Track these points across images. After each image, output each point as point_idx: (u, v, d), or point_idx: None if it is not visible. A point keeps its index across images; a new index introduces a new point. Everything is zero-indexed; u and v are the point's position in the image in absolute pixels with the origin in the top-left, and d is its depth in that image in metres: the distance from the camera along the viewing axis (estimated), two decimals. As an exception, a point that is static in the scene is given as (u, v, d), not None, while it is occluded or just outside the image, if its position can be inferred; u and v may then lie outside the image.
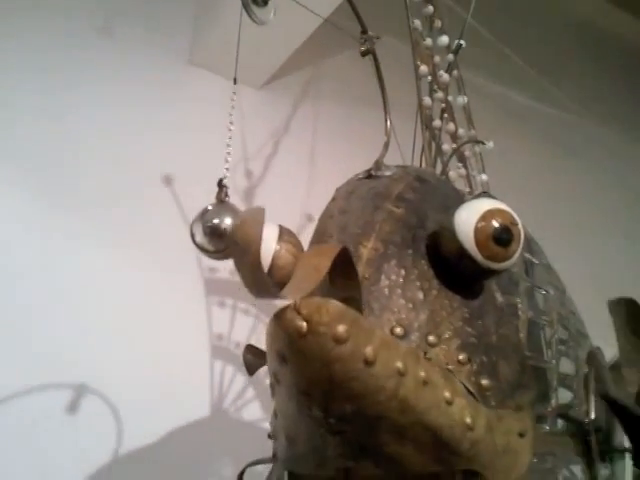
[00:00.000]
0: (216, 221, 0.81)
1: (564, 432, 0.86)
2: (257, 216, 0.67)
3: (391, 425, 0.65)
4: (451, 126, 1.27)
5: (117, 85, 1.95)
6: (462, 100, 1.33)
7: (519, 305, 0.83)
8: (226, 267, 1.95)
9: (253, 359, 1.08)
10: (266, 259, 0.79)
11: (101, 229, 1.81)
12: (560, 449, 0.85)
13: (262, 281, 0.58)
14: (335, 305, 0.61)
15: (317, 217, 2.16)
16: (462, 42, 1.30)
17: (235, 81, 1.18)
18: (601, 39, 3.04)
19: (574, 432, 0.87)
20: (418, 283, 0.75)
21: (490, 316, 0.78)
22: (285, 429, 0.73)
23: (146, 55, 2.02)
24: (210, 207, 0.83)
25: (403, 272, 0.75)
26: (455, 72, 1.32)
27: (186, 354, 1.81)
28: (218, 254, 0.82)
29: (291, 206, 2.10)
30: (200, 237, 0.81)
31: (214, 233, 0.80)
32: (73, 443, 1.59)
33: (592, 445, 0.85)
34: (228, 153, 0.87)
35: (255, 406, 1.89)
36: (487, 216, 0.73)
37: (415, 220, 0.79)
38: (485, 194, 1.01)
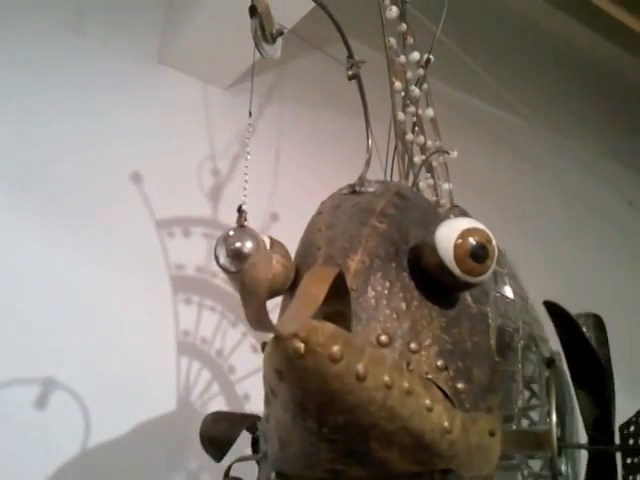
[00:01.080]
0: (238, 245, 0.86)
1: (528, 431, 0.94)
2: (266, 261, 0.72)
3: (379, 432, 0.72)
4: (421, 138, 1.33)
5: (85, 84, 1.96)
6: (430, 113, 1.39)
7: (489, 314, 0.90)
8: (192, 264, 2.00)
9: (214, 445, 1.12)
10: (257, 269, 0.84)
11: (68, 227, 1.82)
12: (523, 446, 0.93)
13: (264, 321, 0.63)
14: (329, 327, 0.66)
15: (282, 216, 2.22)
16: (431, 57, 1.36)
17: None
18: (570, 53, 3.15)
19: (537, 431, 0.95)
20: (401, 294, 0.81)
21: (465, 324, 0.85)
22: (278, 433, 0.78)
23: (115, 54, 2.04)
24: (232, 232, 0.88)
25: (388, 284, 0.81)
26: (425, 86, 1.38)
27: (153, 350, 1.84)
28: (239, 275, 0.87)
29: (257, 205, 2.14)
30: (223, 259, 0.87)
31: (236, 256, 0.86)
32: (42, 438, 1.61)
33: (552, 442, 0.92)
34: (246, 181, 0.91)
35: (220, 400, 1.93)
36: (465, 234, 0.80)
37: (397, 235, 0.85)
38: (456, 208, 1.08)
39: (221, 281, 2.02)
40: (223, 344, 1.97)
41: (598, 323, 1.11)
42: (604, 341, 1.10)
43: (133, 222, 1.92)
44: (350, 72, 0.92)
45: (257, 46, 0.89)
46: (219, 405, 1.93)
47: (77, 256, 1.81)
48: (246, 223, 0.91)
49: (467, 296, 0.88)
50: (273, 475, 0.84)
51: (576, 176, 2.97)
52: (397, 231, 0.86)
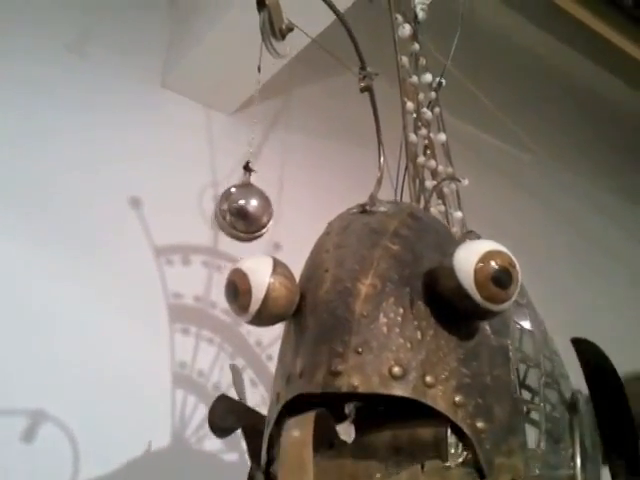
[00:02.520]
0: (242, 202, 0.79)
1: (552, 477, 0.86)
2: (264, 267, 0.76)
3: None
4: (432, 163, 1.28)
5: (87, 105, 1.92)
6: (442, 137, 1.34)
7: (509, 347, 0.84)
8: (191, 294, 1.93)
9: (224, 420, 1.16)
10: (260, 292, 0.78)
11: (66, 253, 1.76)
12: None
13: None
14: None
15: (284, 246, 2.17)
16: (443, 80, 1.32)
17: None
18: (579, 90, 3.13)
19: (561, 476, 0.87)
20: (416, 322, 0.75)
21: (484, 357, 0.78)
22: None
23: (118, 76, 2.00)
24: (234, 189, 0.81)
25: (401, 310, 0.75)
26: (437, 109, 1.33)
27: (148, 382, 1.77)
28: (243, 235, 0.81)
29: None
30: (227, 218, 0.80)
31: (239, 214, 0.79)
32: (30, 471, 1.54)
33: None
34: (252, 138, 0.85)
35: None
36: (487, 257, 0.73)
37: (411, 257, 0.79)
38: (472, 233, 1.02)
39: (220, 312, 1.96)
40: (220, 378, 1.89)
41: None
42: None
43: (132, 249, 1.86)
44: (362, 84, 0.86)
45: (265, 43, 0.84)
46: (215, 441, 1.84)
47: (74, 284, 1.74)
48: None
49: (486, 326, 0.81)
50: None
51: (584, 213, 2.92)
52: (411, 253, 0.79)
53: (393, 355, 0.72)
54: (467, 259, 0.73)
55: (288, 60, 2.02)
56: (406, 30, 1.20)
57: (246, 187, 0.83)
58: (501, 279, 0.73)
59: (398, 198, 1.16)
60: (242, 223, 0.80)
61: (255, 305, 0.78)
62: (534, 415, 0.85)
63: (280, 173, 2.17)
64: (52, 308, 1.70)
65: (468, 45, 1.40)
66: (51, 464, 1.57)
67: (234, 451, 1.82)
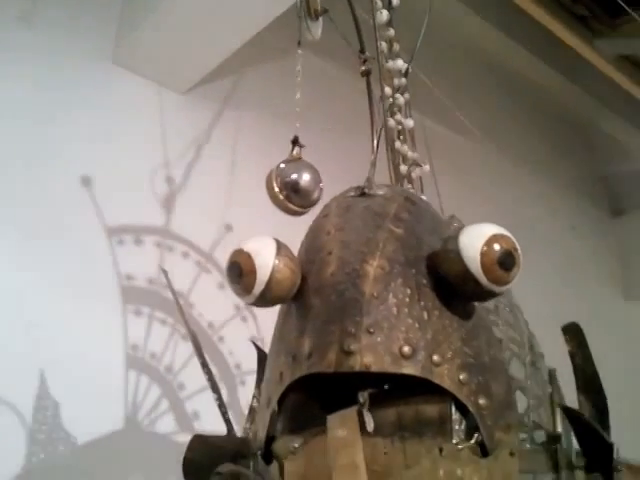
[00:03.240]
0: (294, 176, 0.79)
1: (537, 449, 0.90)
2: (268, 248, 0.78)
3: None
4: (405, 147, 1.30)
5: (36, 82, 1.85)
6: (410, 123, 1.36)
7: (500, 326, 0.87)
8: (143, 275, 1.90)
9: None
10: (265, 273, 0.78)
11: (17, 233, 1.71)
12: (536, 465, 0.89)
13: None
14: None
15: (235, 226, 2.15)
16: (410, 67, 1.34)
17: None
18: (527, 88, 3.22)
19: (545, 449, 0.92)
20: (422, 303, 0.77)
21: (482, 337, 0.81)
22: None
23: (67, 52, 1.93)
24: (283, 165, 0.81)
25: (409, 291, 0.76)
26: (406, 95, 1.35)
27: (100, 363, 1.74)
28: (297, 209, 0.80)
29: (210, 215, 2.07)
30: (283, 192, 0.79)
31: (293, 189, 0.79)
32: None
33: (559, 457, 0.90)
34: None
35: (169, 418, 1.84)
36: (492, 241, 0.75)
37: (414, 240, 0.80)
38: (454, 217, 1.05)
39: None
40: (173, 359, 1.88)
41: (580, 337, 1.09)
42: (589, 356, 1.08)
43: (83, 229, 1.82)
44: (363, 67, 0.87)
45: (304, 21, 0.83)
46: (168, 423, 1.83)
47: (24, 264, 1.70)
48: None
49: (483, 307, 0.84)
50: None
51: (523, 203, 3.00)
52: (413, 236, 0.81)
53: (403, 335, 0.74)
54: (473, 243, 0.75)
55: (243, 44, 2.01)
56: (383, 16, 1.20)
57: (296, 162, 0.82)
58: (506, 262, 0.75)
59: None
60: (296, 197, 0.79)
61: (259, 287, 0.78)
62: (522, 391, 0.88)
63: (232, 153, 2.16)
64: (4, 288, 1.65)
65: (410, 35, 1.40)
66: (4, 446, 1.53)
67: (187, 432, 1.81)
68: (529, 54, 3.13)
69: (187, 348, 1.89)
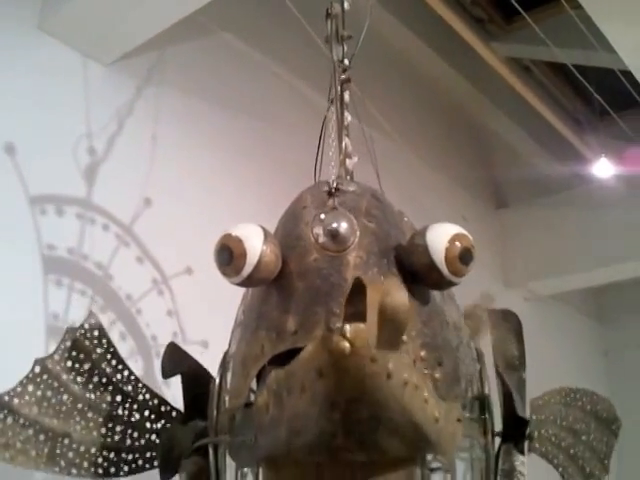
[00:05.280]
0: (335, 225, 0.88)
1: (473, 418, 1.04)
2: (256, 234, 0.86)
3: (391, 424, 0.81)
4: (347, 140, 1.39)
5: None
6: (348, 117, 1.46)
7: (447, 312, 0.99)
8: (64, 245, 1.91)
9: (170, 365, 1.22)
10: (254, 257, 0.86)
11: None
12: (472, 431, 1.03)
13: (396, 344, 0.77)
14: (371, 329, 0.75)
15: (155, 200, 2.16)
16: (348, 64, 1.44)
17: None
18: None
19: (478, 418, 1.06)
20: None
21: (436, 320, 0.93)
22: (290, 424, 0.82)
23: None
24: (323, 216, 0.89)
25: (382, 278, 0.87)
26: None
27: (21, 333, 1.73)
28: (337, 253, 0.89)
29: (131, 188, 2.09)
30: (322, 239, 0.88)
31: (334, 236, 0.87)
32: None
33: (487, 426, 1.05)
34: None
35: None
36: (455, 239, 0.88)
37: (383, 234, 0.91)
38: (402, 213, 1.16)
39: (93, 265, 1.95)
40: (92, 329, 1.90)
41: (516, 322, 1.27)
42: (521, 340, 1.27)
43: (4, 196, 1.80)
44: (343, 76, 0.97)
45: (329, 47, 0.92)
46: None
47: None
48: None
49: (436, 295, 0.96)
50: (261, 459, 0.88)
51: (422, 193, 3.17)
52: (383, 231, 0.92)
53: None
54: (439, 239, 0.88)
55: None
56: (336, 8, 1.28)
57: (336, 212, 0.91)
58: (465, 257, 0.88)
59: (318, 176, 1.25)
60: (332, 244, 0.89)
61: (248, 269, 0.86)
62: (464, 367, 1.01)
63: (153, 127, 2.18)
64: None
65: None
66: None
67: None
68: (431, 51, 3.31)
69: (104, 319, 1.92)
